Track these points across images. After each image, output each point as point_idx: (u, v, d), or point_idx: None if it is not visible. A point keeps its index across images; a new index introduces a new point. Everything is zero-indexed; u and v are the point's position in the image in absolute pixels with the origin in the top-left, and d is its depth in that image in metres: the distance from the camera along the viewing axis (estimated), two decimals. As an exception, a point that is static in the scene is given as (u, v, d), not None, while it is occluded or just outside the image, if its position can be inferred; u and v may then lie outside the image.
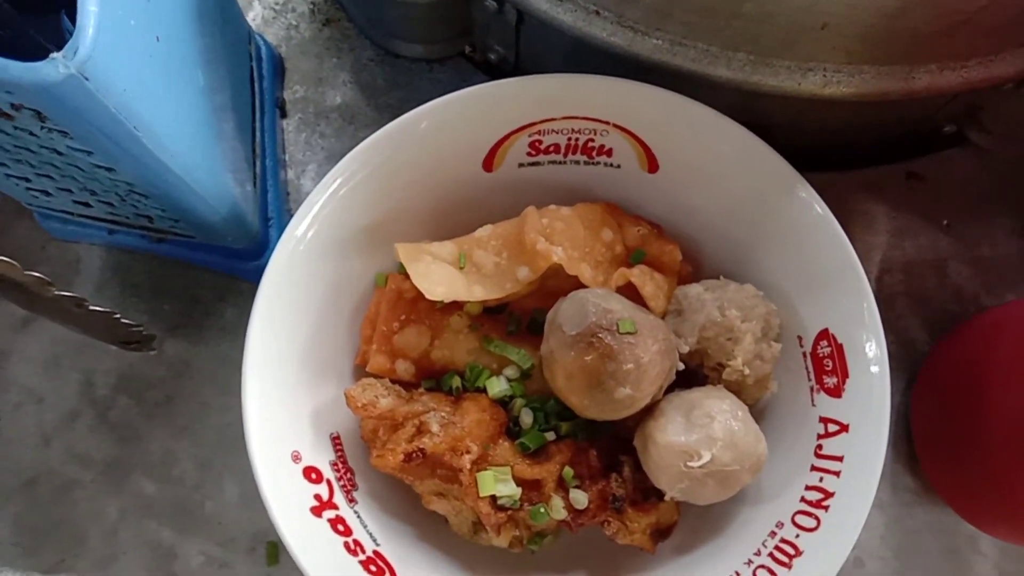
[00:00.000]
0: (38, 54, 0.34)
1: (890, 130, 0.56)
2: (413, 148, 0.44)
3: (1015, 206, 0.56)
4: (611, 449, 0.45)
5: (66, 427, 0.52)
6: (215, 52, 0.43)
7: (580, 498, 0.42)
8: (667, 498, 0.42)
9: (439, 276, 0.43)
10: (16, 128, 0.35)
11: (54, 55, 0.27)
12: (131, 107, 0.32)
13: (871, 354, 0.41)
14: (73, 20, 0.33)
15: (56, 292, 0.39)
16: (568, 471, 0.43)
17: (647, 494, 0.44)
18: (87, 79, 0.28)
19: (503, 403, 0.45)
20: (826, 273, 0.43)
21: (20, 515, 0.50)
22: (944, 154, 0.57)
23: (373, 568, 0.41)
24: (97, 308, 0.41)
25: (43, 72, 0.27)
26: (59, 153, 0.37)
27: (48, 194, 0.46)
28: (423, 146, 0.44)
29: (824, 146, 0.56)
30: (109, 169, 0.38)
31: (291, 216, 0.52)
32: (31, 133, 0.35)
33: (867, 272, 0.52)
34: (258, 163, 0.50)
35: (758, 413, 0.45)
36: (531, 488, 0.43)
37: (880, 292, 0.54)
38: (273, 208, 0.51)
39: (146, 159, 0.35)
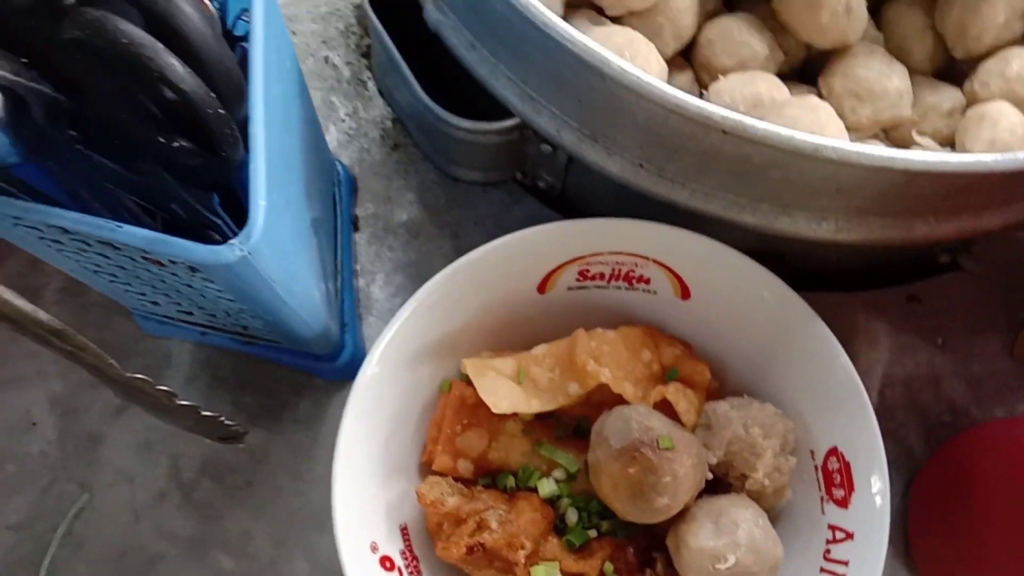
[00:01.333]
0: (176, 203, 0.41)
1: (893, 259, 0.63)
2: (479, 276, 0.51)
3: (1003, 327, 0.63)
4: (646, 547, 0.51)
5: (155, 506, 0.58)
6: (315, 190, 0.51)
7: (619, 590, 0.49)
8: (695, 592, 0.48)
9: (503, 391, 0.50)
10: (161, 270, 0.42)
11: (232, 242, 0.34)
12: (271, 266, 0.39)
13: (874, 472, 0.47)
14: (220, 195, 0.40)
15: (179, 402, 0.46)
16: (608, 566, 0.49)
17: (677, 587, 0.50)
18: (251, 255, 0.35)
19: (551, 502, 0.51)
20: (835, 397, 0.49)
21: (111, 585, 0.56)
22: (940, 279, 0.64)
23: (439, 648, 0.47)
24: (208, 413, 0.48)
25: (224, 255, 0.34)
26: (191, 287, 0.44)
27: (157, 304, 0.53)
28: (488, 274, 0.51)
29: (834, 271, 0.63)
30: (232, 300, 0.45)
31: (362, 321, 0.60)
32: (174, 274, 0.42)
33: (871, 386, 0.60)
34: (339, 276, 0.57)
35: (774, 517, 0.51)
36: (576, 580, 0.49)
37: (882, 404, 0.60)
38: (348, 315, 0.58)
39: (272, 300, 0.42)
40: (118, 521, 0.57)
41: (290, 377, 0.59)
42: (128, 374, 0.42)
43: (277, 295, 0.41)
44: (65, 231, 0.38)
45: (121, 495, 0.58)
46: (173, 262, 0.39)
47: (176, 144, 0.36)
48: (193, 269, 0.39)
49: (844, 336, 0.59)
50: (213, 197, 0.39)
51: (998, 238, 0.59)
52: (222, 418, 0.49)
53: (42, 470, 0.58)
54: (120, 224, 0.34)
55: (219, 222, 0.41)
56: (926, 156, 0.44)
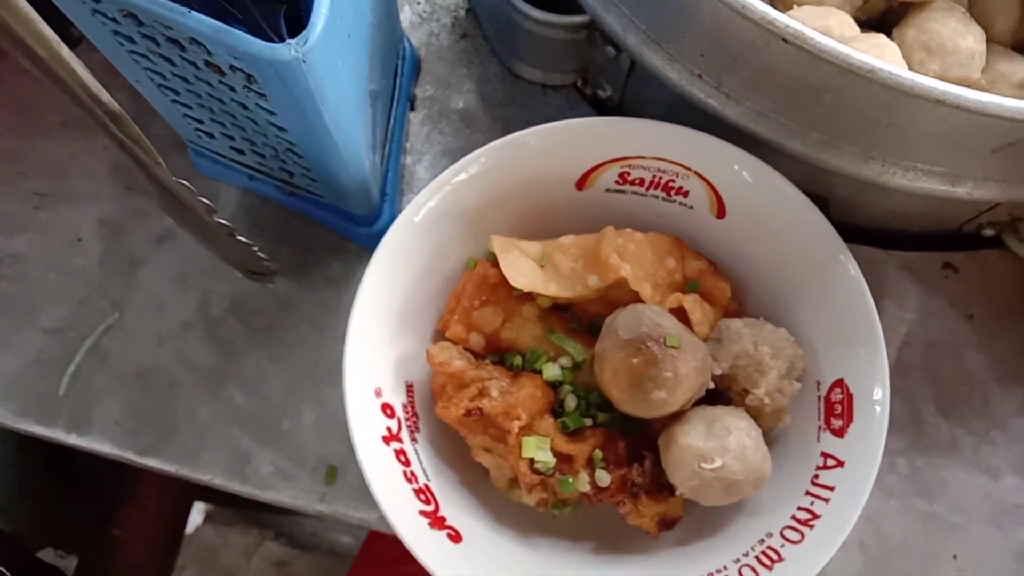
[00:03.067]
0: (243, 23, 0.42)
1: (938, 224, 0.62)
2: (522, 159, 0.52)
3: (1036, 312, 0.62)
4: (638, 444, 0.52)
5: (179, 334, 0.60)
6: (379, 48, 0.52)
7: (604, 478, 0.50)
8: (677, 494, 0.50)
9: (524, 268, 0.51)
10: (220, 82, 0.44)
11: (290, 41, 0.35)
12: (322, 86, 0.40)
13: (876, 407, 0.48)
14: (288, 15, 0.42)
15: (216, 219, 0.48)
16: (598, 453, 0.50)
17: (661, 488, 0.51)
18: (305, 62, 0.36)
19: (553, 386, 0.52)
20: (850, 331, 0.50)
21: (128, 400, 0.59)
22: (981, 252, 0.63)
23: (422, 497, 0.49)
24: (243, 239, 0.50)
25: (279, 52, 0.35)
26: (245, 108, 0.46)
27: (212, 136, 0.55)
28: (530, 159, 0.52)
29: (875, 225, 0.63)
30: (282, 129, 0.46)
31: (403, 196, 0.61)
32: (231, 88, 0.44)
33: (891, 342, 0.60)
34: (387, 146, 0.59)
35: (770, 440, 0.52)
36: (564, 461, 0.50)
37: (899, 361, 0.60)
38: (391, 186, 0.60)
39: (319, 128, 0.43)
40: (143, 342, 0.60)
41: (326, 236, 0.61)
42: (172, 178, 0.44)
43: (323, 123, 0.43)
44: (139, 23, 0.40)
45: (150, 318, 0.61)
46: (233, 68, 0.40)
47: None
48: (250, 81, 0.41)
49: (874, 291, 0.58)
50: (280, 17, 0.40)
51: (1048, 219, 0.59)
52: (255, 248, 0.51)
53: (81, 284, 0.61)
54: (189, 9, 0.36)
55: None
56: (980, 96, 0.43)
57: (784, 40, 0.44)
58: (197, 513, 1.34)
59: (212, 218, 0.48)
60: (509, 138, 0.51)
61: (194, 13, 0.36)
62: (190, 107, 0.51)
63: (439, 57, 0.65)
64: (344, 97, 0.45)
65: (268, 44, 0.35)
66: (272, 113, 0.44)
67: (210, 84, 0.45)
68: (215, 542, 1.31)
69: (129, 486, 0.94)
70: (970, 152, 0.49)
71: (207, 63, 0.41)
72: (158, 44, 0.42)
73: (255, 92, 0.43)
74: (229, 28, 0.36)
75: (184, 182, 0.45)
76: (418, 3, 0.66)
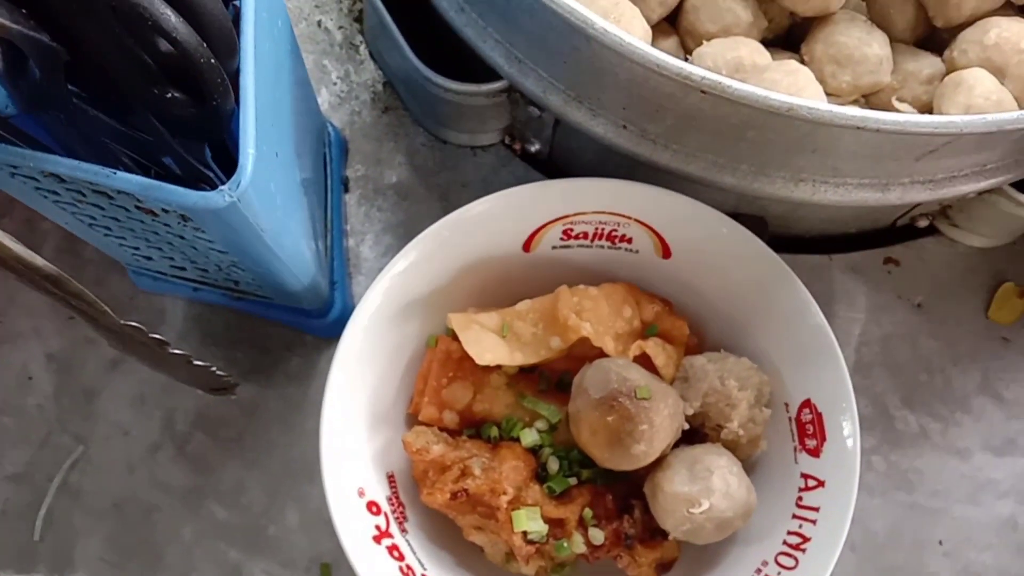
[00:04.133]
0: (171, 157, 0.42)
1: (873, 223, 0.64)
2: (466, 234, 0.52)
3: (979, 290, 0.65)
4: (625, 494, 0.52)
5: (149, 458, 0.59)
6: (306, 148, 0.52)
7: (597, 535, 0.50)
8: (671, 538, 0.50)
9: (487, 344, 0.51)
10: (155, 221, 0.43)
11: (222, 188, 0.35)
12: (260, 215, 0.40)
13: (845, 423, 0.49)
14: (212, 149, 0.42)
15: (171, 351, 0.47)
16: (588, 512, 0.51)
17: (654, 533, 0.51)
18: (239, 202, 0.36)
19: (533, 451, 0.53)
20: (810, 351, 0.51)
21: (108, 534, 0.58)
22: (918, 242, 0.65)
23: (423, 589, 0.49)
24: (200, 363, 0.49)
25: (213, 201, 0.35)
26: (182, 238, 0.46)
27: (150, 259, 0.54)
28: (474, 232, 0.53)
29: (814, 233, 0.65)
30: (223, 252, 0.46)
31: (351, 279, 0.61)
32: (166, 224, 0.43)
33: (847, 344, 0.61)
34: (328, 235, 0.59)
35: (749, 467, 0.53)
36: (556, 525, 0.50)
37: (859, 361, 0.62)
38: (338, 274, 0.60)
39: (262, 250, 0.43)
40: (113, 472, 0.59)
41: (281, 334, 0.61)
42: (121, 321, 0.44)
43: (267, 246, 0.43)
44: (61, 180, 0.40)
45: (116, 447, 0.60)
46: (166, 211, 0.40)
47: (169, 95, 0.37)
48: (185, 219, 0.41)
49: (823, 297, 0.60)
50: (205, 150, 0.40)
51: (974, 204, 0.61)
52: (213, 368, 0.50)
53: (39, 423, 0.60)
54: (115, 171, 0.35)
55: (211, 175, 0.42)
56: (896, 117, 0.45)
57: (702, 92, 0.45)
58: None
59: (167, 351, 0.47)
60: (445, 220, 0.51)
61: (120, 174, 0.35)
62: (124, 238, 0.50)
63: (365, 135, 0.65)
64: (281, 214, 0.45)
65: (201, 194, 0.35)
66: (211, 241, 0.44)
67: (143, 222, 0.44)
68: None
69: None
70: (895, 163, 0.50)
71: (137, 207, 0.41)
72: (84, 195, 0.41)
73: (191, 227, 0.42)
74: (158, 184, 0.35)
75: (135, 324, 0.44)
76: (334, 83, 0.66)
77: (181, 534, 0.58)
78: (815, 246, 0.64)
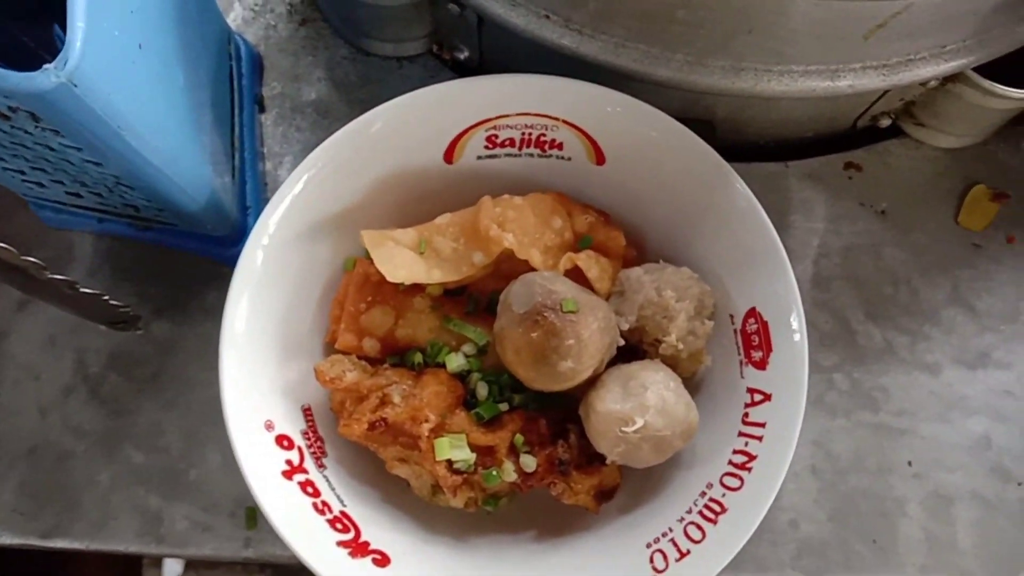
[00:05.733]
0: (30, 59, 0.38)
1: (831, 124, 0.60)
2: (377, 141, 0.48)
3: (947, 194, 0.60)
4: (559, 419, 0.49)
5: (61, 401, 0.56)
6: (195, 54, 0.47)
7: (529, 462, 0.46)
8: (608, 462, 0.47)
9: (400, 260, 0.47)
10: (12, 127, 0.39)
11: (46, 66, 0.31)
12: (115, 109, 0.36)
13: (792, 330, 0.45)
14: (64, 29, 0.37)
15: (49, 275, 0.43)
16: (519, 438, 0.47)
17: (591, 459, 0.48)
18: (76, 86, 0.32)
19: (461, 377, 0.49)
20: (754, 257, 0.47)
21: (20, 482, 0.54)
22: (882, 145, 0.61)
23: (339, 526, 0.45)
24: (87, 290, 0.45)
25: (37, 81, 0.31)
26: (51, 149, 0.41)
27: (42, 185, 0.50)
28: (387, 140, 0.48)
29: (767, 138, 0.60)
30: (97, 164, 0.42)
31: (268, 204, 0.57)
32: (26, 131, 0.39)
33: (805, 256, 0.57)
34: (236, 156, 0.54)
35: (694, 386, 0.49)
36: (485, 454, 0.47)
37: (817, 274, 0.58)
38: (252, 198, 0.55)
39: (130, 155, 0.39)
40: (25, 417, 0.55)
41: (196, 266, 0.57)
42: (28, 259, 0.40)
43: (133, 149, 0.38)
44: None
45: (26, 391, 0.56)
46: (12, 110, 0.36)
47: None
48: (35, 118, 0.36)
49: (778, 207, 0.56)
50: (53, 30, 0.36)
51: (939, 97, 0.56)
52: (106, 297, 0.47)
53: (-57, 370, 0.56)
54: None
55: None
56: (838, -22, 0.40)
57: (618, -41, 0.41)
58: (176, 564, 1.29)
59: (45, 276, 0.43)
60: (352, 124, 0.47)
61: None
62: (3, 160, 0.46)
63: (281, 49, 0.60)
64: (151, 116, 0.40)
65: (23, 75, 0.31)
66: (78, 149, 0.40)
67: (3, 131, 0.40)
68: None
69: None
70: (842, 43, 0.46)
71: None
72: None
73: (50, 131, 0.38)
74: (-30, 65, 0.31)
75: (4, 245, 0.40)
76: (248, -3, 0.61)
77: (98, 480, 0.55)
78: (770, 154, 0.60)
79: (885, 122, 0.59)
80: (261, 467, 0.44)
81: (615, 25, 0.47)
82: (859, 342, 0.57)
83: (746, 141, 0.59)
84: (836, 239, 0.58)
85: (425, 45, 0.60)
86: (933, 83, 0.52)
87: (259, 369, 0.46)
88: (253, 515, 0.54)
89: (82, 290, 0.45)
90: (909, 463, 0.56)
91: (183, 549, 0.54)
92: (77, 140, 0.38)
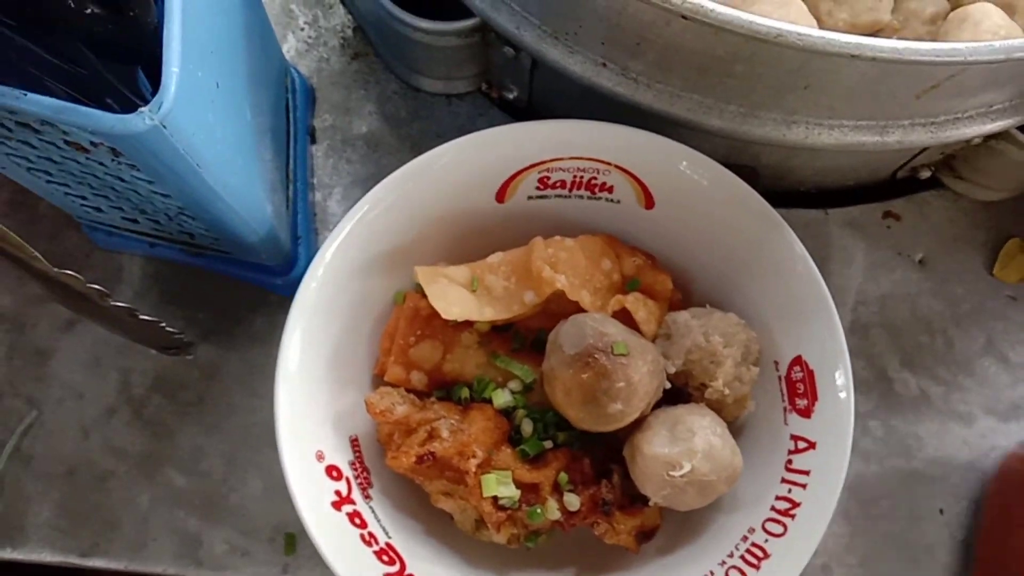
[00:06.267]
0: (111, 97, 0.39)
1: (872, 174, 0.61)
2: (433, 181, 0.49)
3: (984, 246, 0.61)
4: (603, 458, 0.49)
5: (104, 422, 0.56)
6: (260, 88, 0.48)
7: (573, 501, 0.47)
8: (651, 504, 0.47)
9: (454, 297, 0.48)
10: (88, 159, 0.40)
11: (142, 109, 0.32)
12: (195, 147, 0.36)
13: (839, 381, 0.46)
14: (147, 74, 0.38)
15: (112, 303, 0.44)
16: (563, 476, 0.48)
17: (634, 500, 0.48)
18: (165, 128, 0.32)
19: (507, 413, 0.49)
20: (801, 305, 0.47)
21: (60, 501, 0.55)
22: (920, 196, 0.62)
23: (385, 558, 0.45)
24: (146, 317, 0.46)
25: (132, 123, 0.31)
26: (122, 180, 0.42)
27: (100, 210, 0.51)
28: (442, 180, 0.49)
29: (809, 185, 0.61)
30: (165, 195, 0.43)
31: (318, 235, 0.58)
32: (101, 163, 0.40)
33: (843, 303, 0.58)
34: (291, 187, 0.55)
35: (737, 429, 0.50)
36: (529, 491, 0.47)
37: (856, 322, 0.58)
38: (302, 228, 0.56)
39: (202, 189, 0.40)
40: (67, 437, 0.56)
41: (244, 293, 0.57)
42: (55, 268, 0.41)
43: (208, 186, 0.39)
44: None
45: (70, 411, 0.56)
46: (95, 144, 0.37)
47: (88, 10, 0.33)
48: (116, 153, 0.37)
49: (817, 254, 0.57)
50: (138, 75, 0.37)
51: (980, 153, 0.57)
52: (162, 324, 0.47)
53: (-10, 387, 0.57)
54: (25, 92, 0.32)
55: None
56: (895, 44, 0.41)
57: (683, 17, 0.42)
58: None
59: (108, 303, 0.44)
60: (415, 162, 0.48)
61: (30, 95, 0.32)
62: (67, 185, 0.47)
63: (333, 83, 0.61)
64: (224, 151, 0.41)
65: (118, 117, 0.32)
66: (150, 182, 0.41)
67: (78, 162, 0.41)
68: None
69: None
70: (893, 101, 0.47)
71: (67, 142, 0.38)
72: (11, 130, 0.38)
73: (126, 164, 0.39)
74: (71, 106, 0.32)
75: (70, 272, 0.41)
76: (301, 29, 0.63)
77: (138, 502, 0.55)
78: (810, 200, 0.61)
79: (925, 174, 0.60)
80: (312, 497, 0.44)
81: (672, 75, 0.48)
82: (895, 390, 0.58)
83: (787, 188, 0.60)
84: (874, 287, 0.59)
85: (475, 83, 0.61)
86: (977, 140, 0.53)
87: (311, 399, 0.47)
88: (292, 541, 0.54)
89: (141, 317, 0.46)
90: (941, 511, 0.56)
91: (221, 572, 0.54)
92: (152, 175, 0.39)
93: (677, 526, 0.49)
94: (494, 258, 0.50)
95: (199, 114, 0.37)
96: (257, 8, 0.50)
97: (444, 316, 0.47)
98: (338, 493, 0.46)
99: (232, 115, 0.43)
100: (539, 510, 0.47)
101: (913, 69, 0.43)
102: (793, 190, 0.61)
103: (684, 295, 0.53)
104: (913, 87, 0.45)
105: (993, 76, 0.46)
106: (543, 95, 0.59)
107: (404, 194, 0.49)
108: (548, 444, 0.49)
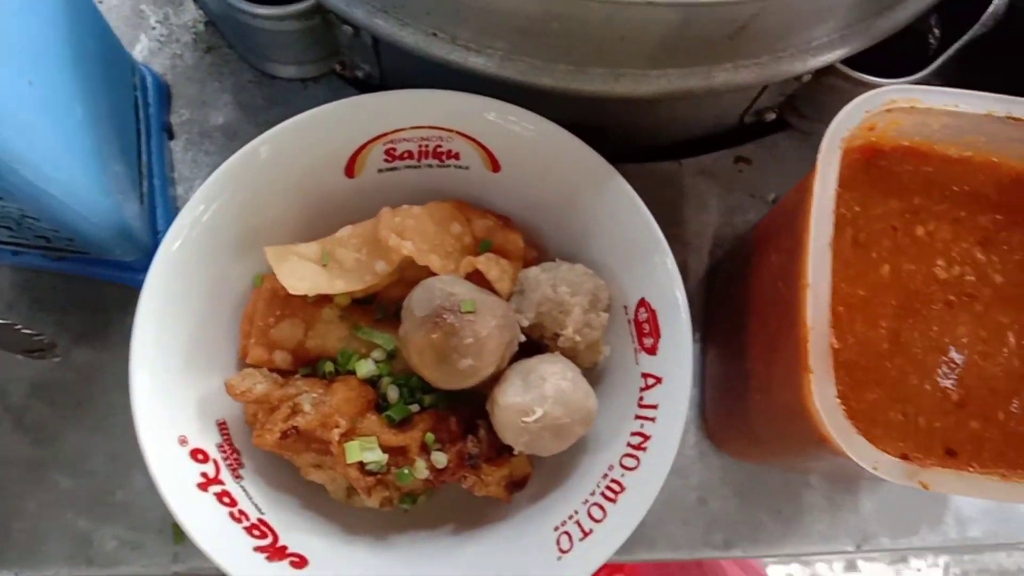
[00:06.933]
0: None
1: (718, 121, 0.63)
2: (273, 164, 0.50)
3: (834, 181, 0.63)
4: (470, 416, 0.51)
5: (-15, 433, 0.56)
6: (93, 87, 0.49)
7: (440, 459, 0.49)
8: (515, 453, 0.49)
9: (303, 273, 0.49)
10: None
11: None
12: (7, 145, 0.37)
13: (678, 316, 0.48)
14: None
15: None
16: (430, 436, 0.49)
17: (500, 451, 0.50)
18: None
19: (373, 383, 0.51)
20: (640, 250, 0.49)
21: (-53, 516, 0.55)
22: (770, 138, 0.64)
23: (256, 532, 0.47)
24: (3, 321, 0.46)
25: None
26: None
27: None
28: (284, 161, 0.50)
29: (663, 140, 0.63)
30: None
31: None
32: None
33: (700, 247, 0.60)
34: (145, 183, 0.55)
35: (597, 375, 0.52)
36: (397, 454, 0.49)
37: (711, 263, 0.61)
38: (163, 222, 0.57)
39: (29, 189, 0.40)
40: (-52, 452, 0.56)
41: (112, 292, 0.58)
42: None
43: (30, 182, 0.40)
44: None
45: (-51, 426, 0.56)
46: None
47: None
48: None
49: (674, 203, 0.59)
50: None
51: (816, 90, 0.59)
52: (18, 326, 0.48)
53: None
54: None
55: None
56: (686, -12, 0.43)
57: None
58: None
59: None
60: (244, 151, 0.49)
61: None
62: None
63: (188, 77, 0.62)
64: (49, 149, 0.42)
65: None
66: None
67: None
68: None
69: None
70: (708, 45, 0.49)
71: None
72: None
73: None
74: None
75: None
76: (153, 28, 0.63)
77: (25, 507, 0.55)
78: (666, 153, 0.63)
79: (770, 116, 0.62)
80: (175, 480, 0.45)
81: (498, 39, 0.49)
82: (756, 326, 0.60)
83: (641, 142, 0.62)
84: (729, 229, 0.61)
85: (328, 65, 0.62)
86: (807, 77, 0.56)
87: (170, 386, 0.48)
88: (179, 530, 0.55)
89: (-6, 321, 0.46)
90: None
91: (114, 569, 0.55)
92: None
93: (549, 472, 0.51)
94: (344, 231, 0.51)
95: (6, 111, 0.37)
96: (87, 10, 0.50)
97: (292, 292, 0.48)
98: (204, 475, 0.47)
99: (56, 113, 0.43)
100: (407, 471, 0.48)
101: (710, 11, 0.45)
102: (647, 145, 0.63)
103: (540, 252, 0.55)
104: (721, 29, 0.47)
105: (797, 13, 0.48)
106: (394, 71, 0.60)
107: (247, 177, 0.49)
108: (415, 408, 0.50)
